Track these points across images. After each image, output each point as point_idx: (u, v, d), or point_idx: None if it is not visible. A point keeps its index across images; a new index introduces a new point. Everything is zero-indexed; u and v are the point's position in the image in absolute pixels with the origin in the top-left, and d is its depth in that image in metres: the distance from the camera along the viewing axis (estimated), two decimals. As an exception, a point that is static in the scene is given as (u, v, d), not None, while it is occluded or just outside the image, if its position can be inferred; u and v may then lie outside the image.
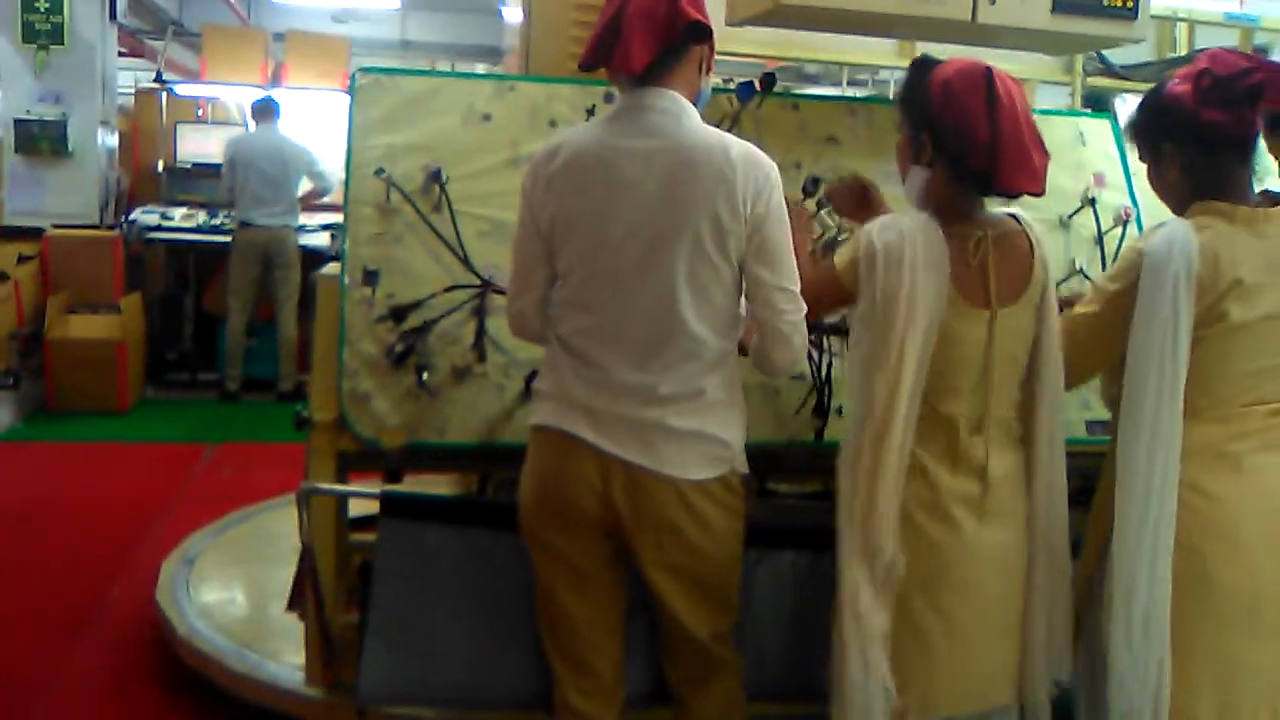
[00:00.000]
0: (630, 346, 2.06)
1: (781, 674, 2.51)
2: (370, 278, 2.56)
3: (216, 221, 6.99)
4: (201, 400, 6.92)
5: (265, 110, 6.73)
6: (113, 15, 6.95)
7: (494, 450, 2.57)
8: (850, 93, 6.91)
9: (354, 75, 2.76)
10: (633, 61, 2.00)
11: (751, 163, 2.04)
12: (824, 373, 2.63)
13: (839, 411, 2.64)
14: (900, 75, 6.53)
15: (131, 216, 7.09)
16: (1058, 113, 3.36)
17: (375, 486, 3.26)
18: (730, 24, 2.79)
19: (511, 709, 2.54)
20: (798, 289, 2.07)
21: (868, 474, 2.02)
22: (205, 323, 7.22)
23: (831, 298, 2.16)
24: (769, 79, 2.72)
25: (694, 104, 2.09)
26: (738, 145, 2.05)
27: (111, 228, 6.87)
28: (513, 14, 4.35)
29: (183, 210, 7.15)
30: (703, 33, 2.06)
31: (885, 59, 3.96)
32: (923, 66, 2.10)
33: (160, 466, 5.48)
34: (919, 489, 2.05)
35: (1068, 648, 2.15)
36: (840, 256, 2.11)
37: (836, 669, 2.07)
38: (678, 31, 2.02)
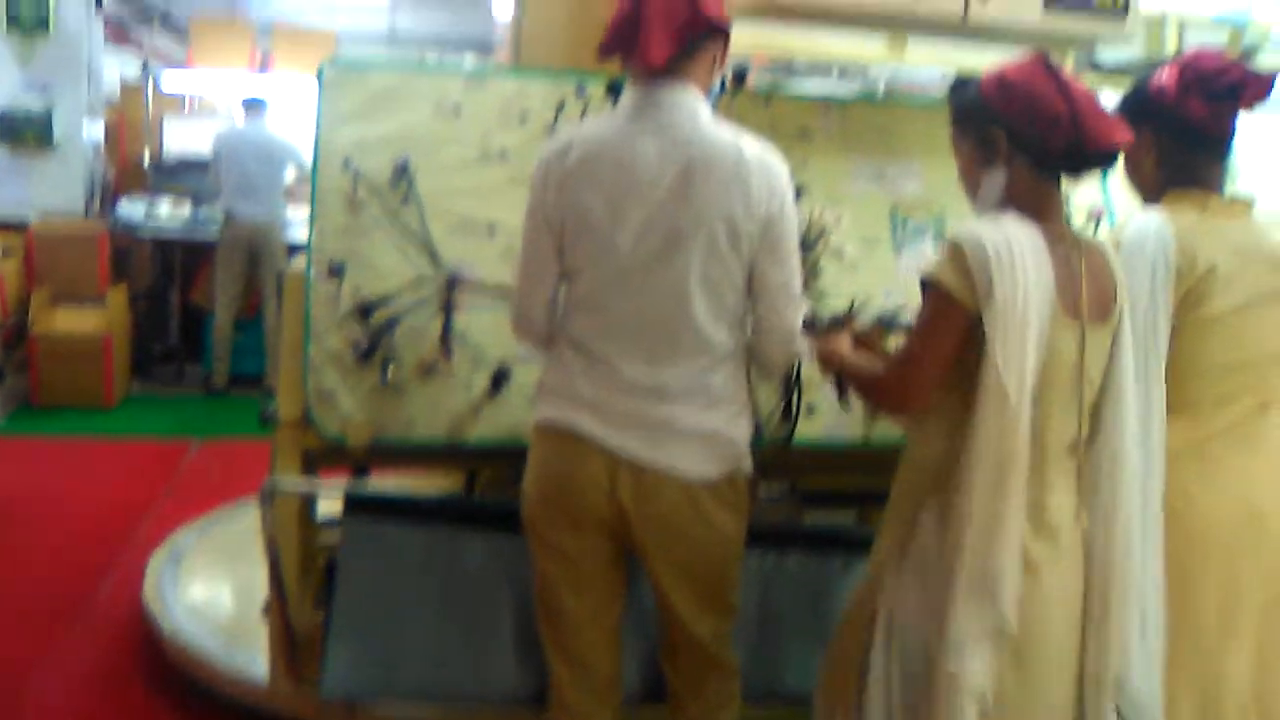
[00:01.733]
0: (641, 344, 2.05)
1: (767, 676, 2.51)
2: (336, 271, 2.53)
3: (203, 215, 6.96)
4: (188, 395, 6.88)
5: (254, 107, 6.72)
6: (98, 4, 6.91)
7: (461, 447, 2.54)
8: (841, 87, 6.86)
9: (322, 67, 2.72)
10: (652, 56, 2.00)
11: (766, 163, 2.06)
12: (795, 374, 2.60)
13: (809, 410, 2.61)
14: (890, 74, 6.48)
15: (117, 209, 7.05)
16: None
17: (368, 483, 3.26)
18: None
19: (480, 704, 2.53)
20: (799, 290, 2.12)
21: (986, 509, 1.82)
22: (191, 317, 7.18)
23: (938, 340, 1.89)
24: (740, 74, 2.69)
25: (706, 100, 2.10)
26: (751, 145, 2.07)
27: (97, 220, 6.83)
28: (502, 6, 4.33)
29: (169, 203, 7.10)
30: (720, 34, 2.09)
31: (875, 54, 3.94)
32: (962, 85, 2.05)
33: (147, 462, 5.45)
34: None
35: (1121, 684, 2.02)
36: (939, 271, 1.88)
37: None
38: (698, 30, 2.04)
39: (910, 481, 1.99)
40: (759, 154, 2.07)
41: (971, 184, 2.03)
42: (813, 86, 6.11)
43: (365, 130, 2.65)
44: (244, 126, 6.77)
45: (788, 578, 2.57)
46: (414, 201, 2.60)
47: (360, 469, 2.78)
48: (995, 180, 1.96)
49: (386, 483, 3.50)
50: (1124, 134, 1.90)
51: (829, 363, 2.17)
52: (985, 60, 3.42)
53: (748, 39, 3.12)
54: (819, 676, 2.16)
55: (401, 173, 2.61)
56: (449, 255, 2.59)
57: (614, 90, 2.74)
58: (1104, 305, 1.93)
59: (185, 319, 7.22)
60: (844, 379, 2.19)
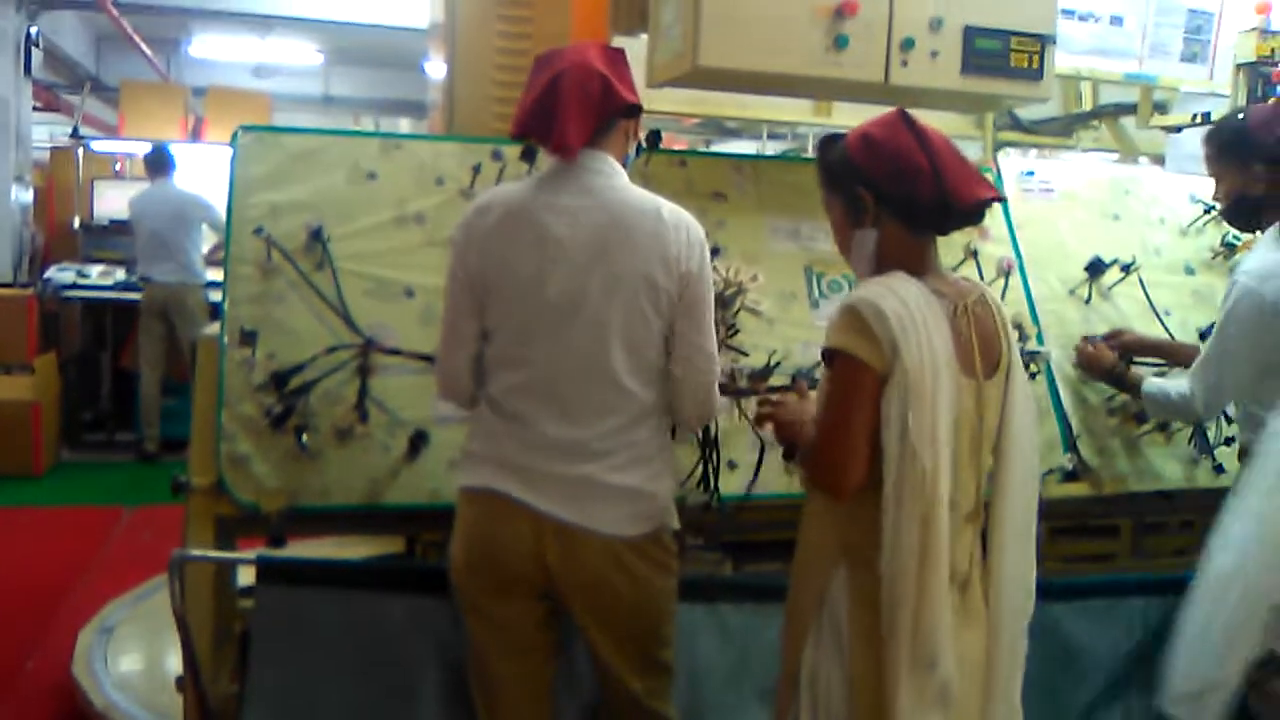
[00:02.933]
0: (561, 401, 2.07)
1: None
2: (248, 338, 2.51)
3: (134, 279, 6.88)
4: (120, 462, 6.76)
5: (158, 163, 6.60)
6: (27, 70, 6.87)
7: (379, 512, 2.51)
8: (769, 147, 7.00)
9: (235, 133, 2.72)
10: (569, 140, 2.05)
11: (683, 223, 2.10)
12: (714, 432, 2.61)
13: (730, 466, 2.62)
14: (819, 130, 6.65)
15: (46, 274, 6.95)
16: None
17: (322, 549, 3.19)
18: (651, 85, 2.83)
19: None
20: (715, 350, 2.13)
21: (916, 575, 1.79)
22: (123, 382, 7.07)
23: (861, 410, 1.83)
24: (653, 137, 2.73)
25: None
26: (668, 206, 2.11)
27: (25, 286, 6.73)
28: (435, 70, 4.37)
29: (100, 268, 7.01)
30: (634, 112, 2.15)
31: (802, 115, 4.04)
32: (829, 141, 2.04)
33: (77, 531, 5.34)
34: None
35: None
36: (843, 339, 1.84)
37: None
38: (611, 111, 2.10)
39: (817, 550, 1.96)
40: (676, 215, 2.11)
41: (843, 243, 2.02)
42: (740, 147, 6.25)
43: (279, 195, 2.65)
44: (152, 187, 6.66)
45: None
46: (328, 266, 2.59)
47: (276, 538, 2.72)
48: (867, 240, 1.94)
49: (319, 549, 3.46)
50: (990, 190, 1.91)
51: (789, 431, 2.06)
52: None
53: (677, 102, 3.19)
54: None
55: (315, 237, 2.60)
56: (366, 319, 2.58)
57: (529, 155, 2.77)
58: (992, 359, 1.94)
59: (116, 384, 7.10)
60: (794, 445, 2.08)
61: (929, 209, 1.89)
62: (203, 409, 2.54)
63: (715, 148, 6.53)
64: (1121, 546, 3.32)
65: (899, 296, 1.83)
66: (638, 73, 2.66)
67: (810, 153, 6.25)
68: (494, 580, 2.11)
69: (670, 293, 2.07)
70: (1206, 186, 3.31)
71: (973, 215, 1.93)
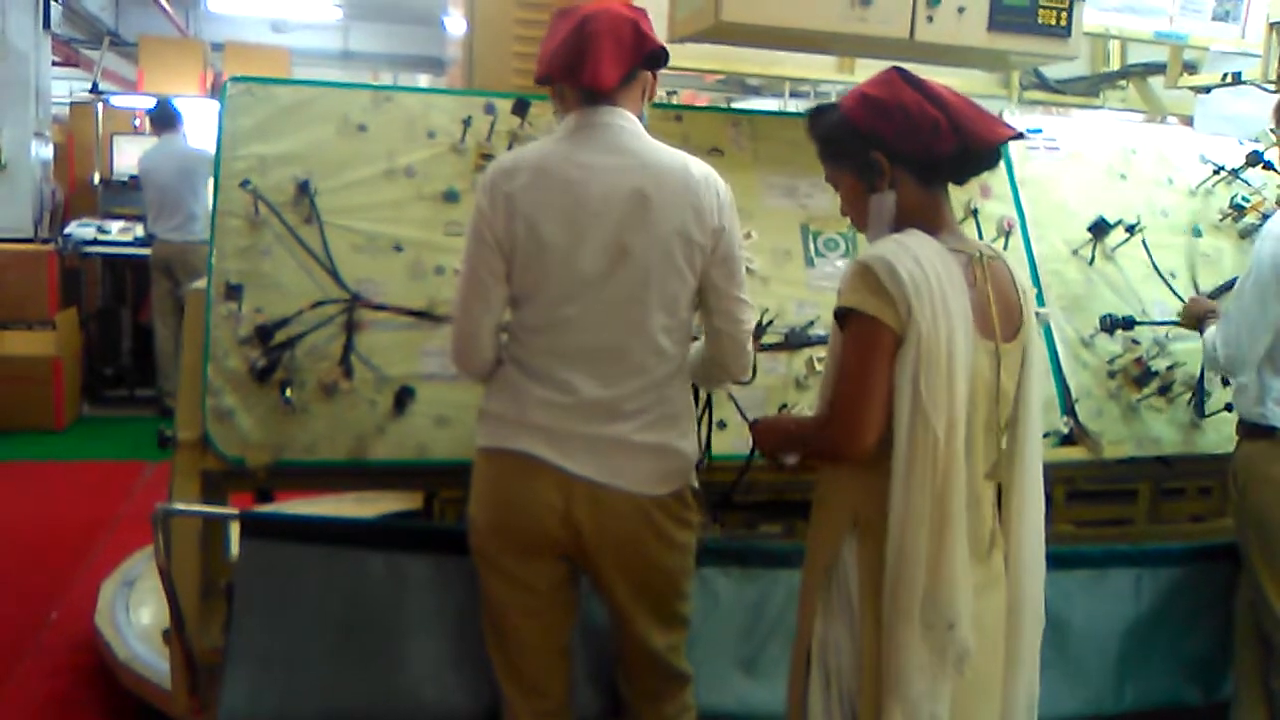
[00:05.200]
0: (599, 362, 2.07)
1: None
2: (234, 292, 2.50)
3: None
4: (141, 417, 6.79)
5: (164, 118, 6.59)
6: (46, 24, 6.86)
7: (366, 467, 2.51)
8: (792, 105, 6.89)
9: (225, 84, 2.70)
10: (604, 79, 2.04)
11: (713, 180, 2.11)
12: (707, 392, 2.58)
13: (720, 425, 2.59)
14: (842, 89, 6.53)
15: (67, 230, 6.98)
16: None
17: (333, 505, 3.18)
18: (673, 40, 2.79)
19: None
20: (749, 300, 2.14)
21: (929, 542, 1.76)
22: (143, 338, 7.12)
23: (879, 371, 1.78)
24: (520, 105, 2.72)
25: None
26: (697, 163, 2.12)
27: (46, 242, 6.76)
28: (455, 25, 4.33)
29: (120, 224, 7.04)
30: (662, 59, 2.14)
31: (825, 73, 3.97)
32: (821, 112, 2.00)
33: (99, 486, 5.37)
34: None
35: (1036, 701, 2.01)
36: (857, 298, 1.79)
37: None
38: (642, 54, 2.09)
39: (828, 521, 1.94)
40: (704, 169, 2.11)
41: (858, 213, 1.96)
42: (762, 104, 6.16)
43: (268, 148, 2.63)
44: (160, 142, 6.66)
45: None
46: (316, 220, 2.57)
47: (263, 492, 2.73)
48: (885, 204, 1.88)
49: (338, 506, 3.48)
50: (1008, 129, 1.86)
51: (774, 441, 2.06)
52: (935, 78, 3.45)
53: (698, 58, 3.14)
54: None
55: (303, 190, 2.58)
56: (353, 274, 2.56)
57: (521, 108, 2.73)
58: (1012, 321, 1.89)
59: (137, 340, 7.15)
60: (790, 451, 2.06)
61: (951, 158, 1.85)
62: (190, 363, 2.54)
63: (737, 105, 6.46)
64: (1139, 512, 3.28)
65: (914, 255, 1.79)
66: (660, 27, 2.66)
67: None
68: (519, 541, 2.11)
69: (705, 247, 2.07)
70: (1221, 147, 3.23)
71: (993, 159, 1.90)
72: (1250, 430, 2.62)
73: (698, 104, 4.91)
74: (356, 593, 2.42)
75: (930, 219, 1.87)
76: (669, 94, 5.86)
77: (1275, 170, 3.17)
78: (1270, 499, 2.56)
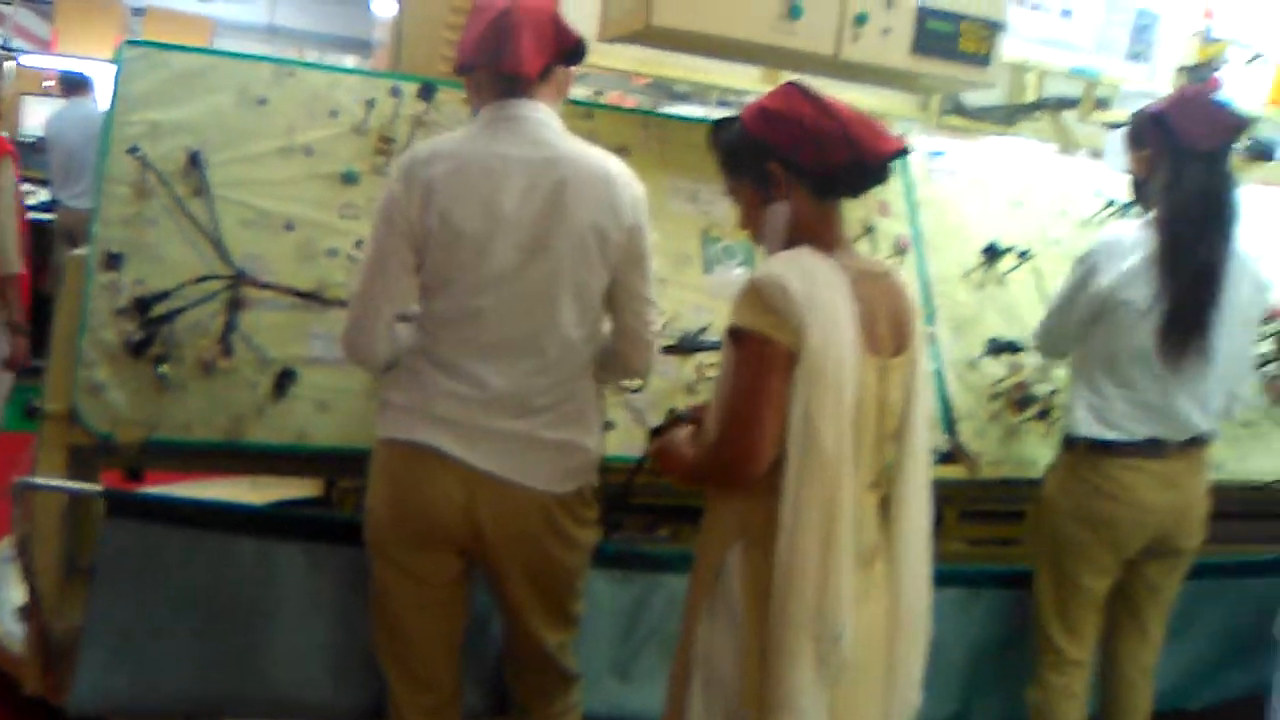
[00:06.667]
0: (509, 355, 2.06)
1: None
2: (114, 261, 2.42)
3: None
4: (35, 387, 6.53)
5: (75, 82, 6.41)
6: (-45, -25, 6.62)
7: (242, 449, 2.45)
8: (718, 114, 6.90)
9: (121, 47, 2.62)
10: (525, 64, 2.04)
11: (628, 177, 2.14)
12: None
13: (608, 425, 2.57)
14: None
15: (-35, 190, 6.71)
16: None
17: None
18: (603, 40, 2.78)
19: (248, 714, 2.45)
20: (656, 302, 2.18)
21: (819, 554, 1.77)
22: (41, 305, 6.86)
23: (774, 390, 1.79)
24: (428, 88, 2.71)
25: None
26: (614, 160, 2.15)
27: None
28: (383, 8, 4.27)
29: (24, 186, 6.78)
30: (579, 54, 2.17)
31: (752, 83, 3.98)
32: (723, 124, 2.02)
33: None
34: None
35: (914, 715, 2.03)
36: (748, 317, 1.81)
37: None
38: (561, 46, 2.11)
39: (716, 527, 1.94)
40: (621, 168, 2.14)
41: (755, 225, 1.97)
42: (689, 111, 6.17)
43: (161, 115, 2.55)
44: (69, 106, 6.44)
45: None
46: (206, 192, 2.50)
47: (133, 470, 2.65)
48: (779, 214, 1.91)
49: (234, 491, 3.38)
50: (898, 143, 1.90)
51: (673, 468, 2.02)
52: (859, 98, 3.50)
53: (627, 60, 3.14)
54: None
55: (194, 162, 2.51)
56: (241, 250, 2.50)
57: (428, 92, 2.69)
58: (900, 337, 1.92)
59: (36, 307, 6.89)
60: (688, 484, 2.05)
61: (844, 170, 1.87)
62: (63, 332, 2.46)
63: (665, 110, 6.45)
64: (1026, 531, 3.34)
65: (804, 272, 1.80)
66: (591, 27, 2.69)
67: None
68: (417, 534, 2.09)
69: (619, 244, 2.09)
70: (1116, 182, 3.32)
71: (884, 172, 1.91)
72: (1063, 441, 2.68)
73: (625, 105, 4.90)
74: (223, 578, 2.36)
75: (823, 234, 1.90)
76: (596, 93, 5.83)
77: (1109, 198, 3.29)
78: (1065, 508, 2.60)
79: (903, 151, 1.90)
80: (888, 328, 1.89)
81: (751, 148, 1.92)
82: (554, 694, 2.28)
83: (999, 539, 3.20)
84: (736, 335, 1.82)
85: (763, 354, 1.78)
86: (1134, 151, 2.64)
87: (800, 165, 1.88)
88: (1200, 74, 3.67)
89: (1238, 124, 2.56)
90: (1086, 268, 2.57)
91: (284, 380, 2.45)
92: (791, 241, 1.89)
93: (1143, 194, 2.64)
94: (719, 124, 2.03)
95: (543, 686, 2.28)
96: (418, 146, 2.16)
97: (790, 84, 1.92)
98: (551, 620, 2.20)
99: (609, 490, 2.42)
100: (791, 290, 1.77)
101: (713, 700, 1.88)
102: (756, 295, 1.80)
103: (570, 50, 2.15)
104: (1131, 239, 2.53)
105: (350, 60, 7.68)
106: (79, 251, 2.56)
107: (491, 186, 2.04)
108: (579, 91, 2.38)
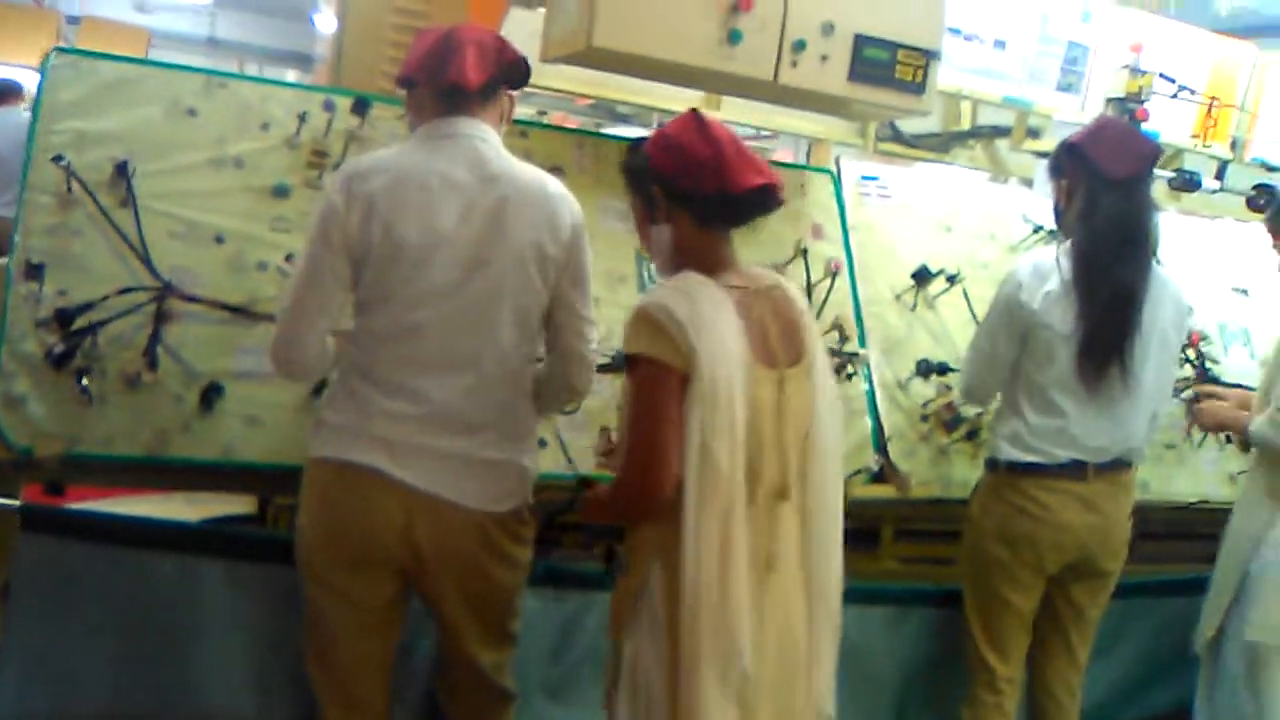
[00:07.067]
0: (448, 372, 2.04)
1: None
2: (35, 272, 2.36)
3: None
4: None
5: (6, 92, 6.29)
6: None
7: (167, 464, 2.40)
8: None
9: (48, 55, 2.57)
10: (469, 78, 2.07)
11: (568, 198, 2.17)
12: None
13: (541, 444, 2.56)
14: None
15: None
16: (783, 165, 3.47)
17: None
18: (545, 60, 2.78)
19: None
20: (595, 321, 2.22)
21: (720, 560, 1.80)
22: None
23: (671, 412, 1.82)
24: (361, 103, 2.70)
25: None
26: (553, 180, 2.18)
27: None
28: (325, 22, 4.24)
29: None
30: (523, 75, 2.19)
31: (692, 106, 4.00)
32: (634, 149, 2.08)
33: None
34: None
35: None
36: (640, 343, 1.84)
37: None
38: (503, 63, 2.14)
39: (639, 548, 1.94)
40: (560, 188, 2.17)
41: (645, 243, 2.05)
42: (631, 133, 6.23)
43: (88, 124, 2.50)
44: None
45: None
46: (132, 203, 2.46)
47: (53, 485, 2.59)
48: (662, 236, 1.97)
49: (166, 507, 3.30)
50: (767, 176, 1.93)
51: (592, 510, 2.07)
52: (798, 123, 3.55)
53: (569, 80, 3.15)
54: None
55: (121, 172, 2.46)
56: (169, 262, 2.46)
57: (361, 107, 2.68)
58: (795, 346, 1.96)
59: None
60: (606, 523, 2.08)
61: (711, 200, 1.92)
62: (-20, 344, 2.39)
63: (606, 132, 6.49)
64: (960, 551, 3.38)
65: (688, 297, 1.84)
66: (533, 46, 2.68)
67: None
68: (352, 555, 2.07)
69: (558, 262, 2.11)
70: (1043, 207, 3.39)
71: (756, 204, 1.95)
72: (986, 463, 2.73)
73: (568, 126, 4.93)
74: (144, 595, 2.33)
75: (706, 258, 1.94)
76: (540, 113, 5.86)
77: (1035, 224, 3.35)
78: (988, 528, 2.65)
79: (771, 187, 1.93)
80: (780, 339, 1.94)
81: (643, 170, 1.99)
82: (487, 714, 2.27)
83: (935, 558, 3.24)
84: (631, 362, 1.86)
85: (656, 378, 1.82)
86: (1053, 181, 2.70)
87: (678, 191, 1.94)
88: (1128, 106, 3.76)
89: (1152, 152, 2.64)
90: (1012, 286, 2.62)
91: (210, 395, 2.41)
92: (677, 265, 1.95)
93: (1063, 222, 2.70)
94: (633, 144, 2.10)
95: (476, 706, 2.26)
96: (357, 160, 2.15)
97: (690, 111, 1.98)
98: (489, 640, 2.18)
99: (545, 508, 2.42)
100: (677, 314, 1.81)
101: (637, 714, 1.89)
102: (644, 322, 1.84)
103: (512, 67, 2.17)
104: (1050, 264, 2.59)
105: (292, 75, 7.61)
106: (0, 261, 2.51)
107: (431, 202, 2.04)
108: (520, 111, 2.40)
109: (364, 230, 2.02)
